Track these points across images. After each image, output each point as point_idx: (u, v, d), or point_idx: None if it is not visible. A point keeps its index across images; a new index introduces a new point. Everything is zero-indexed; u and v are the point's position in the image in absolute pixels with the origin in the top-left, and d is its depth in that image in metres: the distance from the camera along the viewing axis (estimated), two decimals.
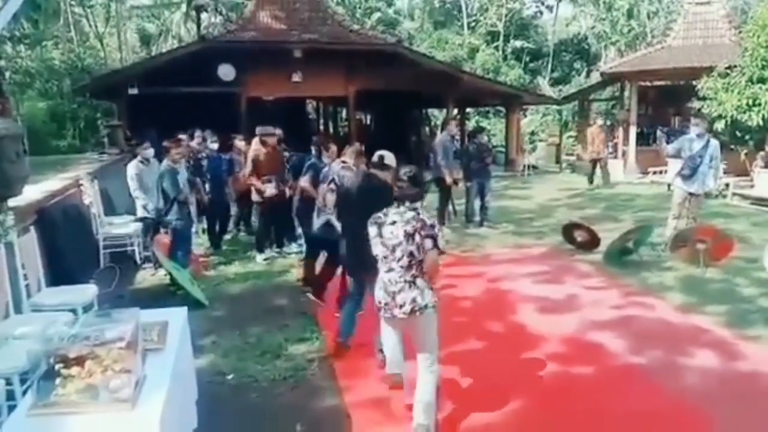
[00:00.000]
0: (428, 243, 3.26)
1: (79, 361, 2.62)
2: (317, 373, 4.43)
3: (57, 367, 2.58)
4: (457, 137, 9.92)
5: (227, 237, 8.79)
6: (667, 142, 8.68)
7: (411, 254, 3.31)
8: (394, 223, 3.36)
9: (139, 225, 7.56)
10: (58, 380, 2.55)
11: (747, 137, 13.68)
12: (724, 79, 12.91)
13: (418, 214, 3.35)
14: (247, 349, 4.84)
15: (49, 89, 21.68)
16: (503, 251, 8.11)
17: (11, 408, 2.98)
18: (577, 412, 3.81)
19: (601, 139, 14.55)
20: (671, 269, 6.96)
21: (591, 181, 14.62)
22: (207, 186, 8.12)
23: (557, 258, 7.69)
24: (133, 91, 13.51)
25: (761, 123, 12.35)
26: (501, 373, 4.37)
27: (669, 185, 8.67)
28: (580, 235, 7.97)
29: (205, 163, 8.24)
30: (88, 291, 4.91)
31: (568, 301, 5.96)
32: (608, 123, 21.40)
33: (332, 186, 5.47)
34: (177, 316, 3.51)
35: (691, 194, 7.77)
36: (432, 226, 3.30)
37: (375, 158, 4.48)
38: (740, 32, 14.36)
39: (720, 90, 12.88)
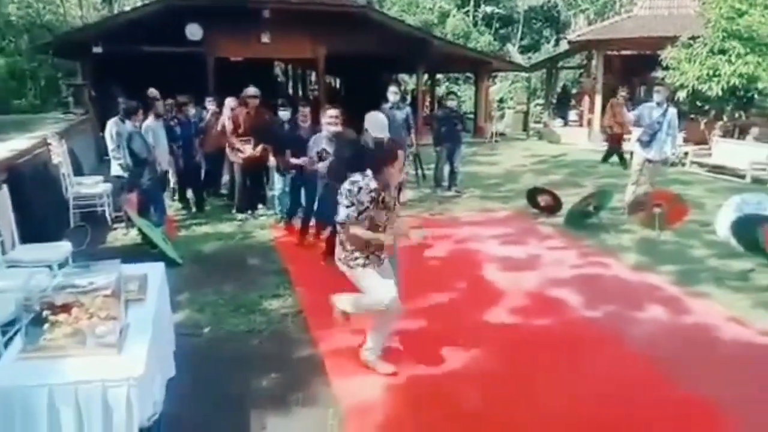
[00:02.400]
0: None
1: (66, 308, 2.74)
2: (291, 326, 4.62)
3: (45, 313, 2.70)
4: (401, 104, 9.39)
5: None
6: (629, 110, 8.95)
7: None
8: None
9: (108, 185, 7.56)
10: (46, 326, 2.67)
11: (707, 107, 14.13)
12: (687, 50, 13.21)
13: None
14: (222, 304, 4.98)
15: (6, 46, 20.90)
16: (470, 214, 8.36)
17: None
18: (534, 361, 4.08)
19: (620, 115, 12.33)
20: (628, 232, 7.30)
21: (606, 159, 13.07)
22: (179, 150, 8.11)
23: (521, 221, 7.97)
24: (98, 50, 13.20)
25: (720, 93, 12.76)
26: (464, 325, 4.61)
27: (631, 152, 9.00)
28: (543, 200, 8.25)
29: (177, 129, 8.15)
30: (63, 248, 4.96)
31: (530, 260, 6.24)
32: (575, 91, 21.77)
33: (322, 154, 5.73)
34: (155, 270, 3.62)
35: (648, 160, 8.07)
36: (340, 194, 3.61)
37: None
38: (704, 3, 14.65)
39: (683, 60, 13.18)
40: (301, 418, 3.38)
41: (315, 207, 6.45)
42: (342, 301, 3.97)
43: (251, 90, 7.84)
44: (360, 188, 3.54)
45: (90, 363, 2.58)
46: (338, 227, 3.72)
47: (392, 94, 9.14)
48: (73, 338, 2.67)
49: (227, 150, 8.02)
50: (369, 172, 3.59)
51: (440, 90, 26.82)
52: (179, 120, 8.23)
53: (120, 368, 2.56)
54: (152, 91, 8.63)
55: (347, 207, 3.56)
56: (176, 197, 8.66)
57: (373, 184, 3.55)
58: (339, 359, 4.01)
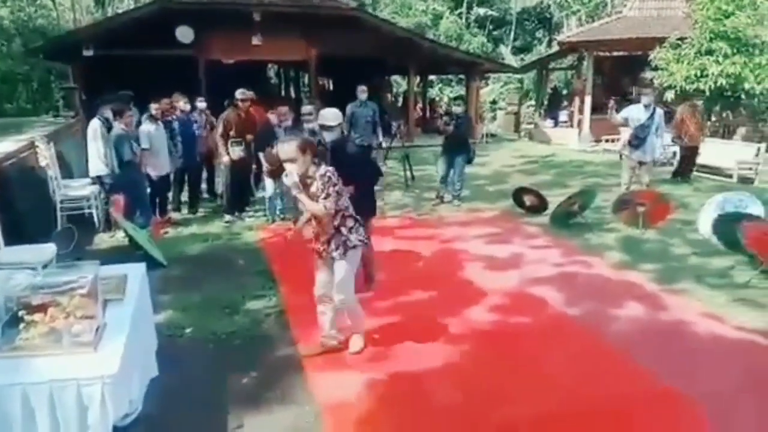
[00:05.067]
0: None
1: (42, 308, 2.79)
2: (273, 326, 4.66)
3: (21, 313, 2.75)
4: (367, 102, 9.63)
5: (185, 199, 8.73)
6: (617, 111, 9.07)
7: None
8: None
9: (96, 187, 7.59)
10: (21, 326, 2.72)
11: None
12: (675, 50, 13.35)
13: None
14: (206, 305, 5.02)
15: None
16: (457, 215, 8.42)
17: None
18: (513, 357, 4.15)
19: (694, 124, 10.64)
20: (612, 230, 7.37)
21: (677, 174, 11.03)
22: (179, 148, 8.07)
23: (507, 221, 8.04)
24: (89, 53, 13.23)
25: (708, 93, 12.88)
26: (444, 323, 4.66)
27: (620, 154, 9.07)
28: (529, 199, 8.32)
29: (176, 125, 8.09)
30: (47, 250, 4.99)
31: (514, 259, 6.30)
32: (566, 92, 21.85)
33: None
34: (135, 271, 3.67)
35: (640, 162, 8.20)
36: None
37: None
38: (692, 5, 14.78)
39: (671, 60, 13.33)
40: (279, 415, 3.43)
41: None
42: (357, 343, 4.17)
43: (240, 92, 7.90)
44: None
45: (65, 362, 2.62)
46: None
47: (360, 92, 9.55)
48: (49, 337, 2.72)
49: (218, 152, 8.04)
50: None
51: (433, 91, 26.96)
52: (179, 119, 8.20)
53: (95, 367, 2.60)
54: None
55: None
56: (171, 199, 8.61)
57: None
58: (318, 357, 4.06)
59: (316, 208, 3.71)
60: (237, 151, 7.74)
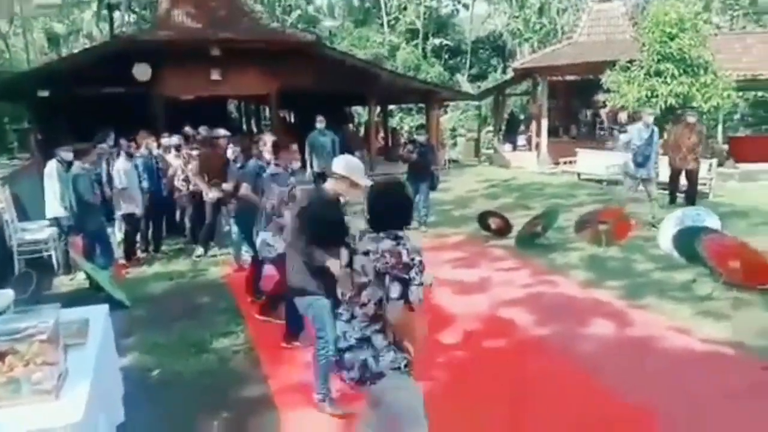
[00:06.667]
0: (394, 289, 2.47)
1: (0, 356, 2.68)
2: (243, 363, 4.57)
3: None
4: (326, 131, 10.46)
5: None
6: (619, 132, 9.50)
7: (380, 301, 2.54)
8: (366, 253, 2.59)
9: (54, 230, 7.39)
10: None
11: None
12: (625, 73, 13.81)
13: (398, 245, 2.55)
14: (172, 345, 4.90)
15: None
16: (424, 240, 8.43)
17: None
18: (485, 380, 4.14)
19: (690, 145, 9.74)
20: (576, 249, 7.50)
21: (673, 200, 10.13)
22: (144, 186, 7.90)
23: (473, 244, 8.11)
24: (44, 93, 12.99)
25: (659, 114, 13.33)
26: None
27: (624, 173, 8.92)
28: (494, 222, 8.43)
29: (140, 162, 7.92)
30: (5, 296, 4.79)
31: (482, 282, 6.35)
32: (522, 117, 22.34)
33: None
34: (97, 313, 3.56)
35: (643, 179, 8.51)
36: (408, 266, 2.48)
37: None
38: (638, 29, 15.36)
39: (622, 83, 13.76)
40: None
41: None
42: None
43: (219, 131, 7.99)
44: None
45: (26, 412, 2.52)
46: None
47: (318, 122, 10.37)
48: (8, 387, 2.60)
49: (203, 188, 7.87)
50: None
51: (393, 121, 27.26)
52: (142, 157, 8.06)
53: (57, 415, 2.50)
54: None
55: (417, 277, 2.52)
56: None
57: None
58: (289, 395, 3.98)
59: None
60: (213, 192, 7.57)
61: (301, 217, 3.58)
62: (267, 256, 5.06)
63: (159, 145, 8.62)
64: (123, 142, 7.64)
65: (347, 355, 2.61)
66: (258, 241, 5.06)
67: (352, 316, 2.62)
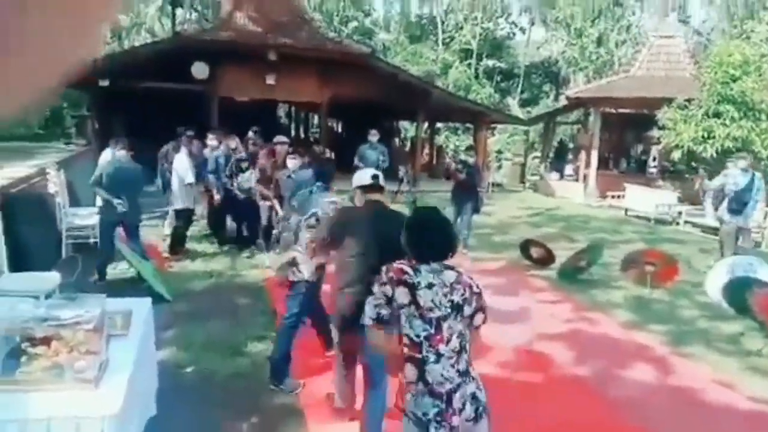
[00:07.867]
0: (479, 318, 2.48)
1: (46, 340, 2.72)
2: None
3: (23, 345, 2.68)
4: (377, 144, 10.41)
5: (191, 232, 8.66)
6: (708, 179, 9.04)
7: (461, 334, 2.42)
8: (431, 286, 2.42)
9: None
10: (23, 358, 2.64)
11: (701, 168, 14.29)
12: (683, 111, 13.49)
13: (461, 274, 2.50)
14: (208, 344, 4.93)
15: None
16: (462, 265, 8.32)
17: None
18: (520, 417, 4.02)
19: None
20: (620, 288, 7.30)
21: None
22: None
23: (513, 272, 7.97)
24: (104, 83, 13.39)
25: (715, 155, 12.96)
26: None
27: (720, 220, 8.40)
28: (536, 252, 8.27)
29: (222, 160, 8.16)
30: (51, 278, 4.92)
31: (521, 313, 6.21)
32: (572, 146, 22.06)
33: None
34: (141, 306, 3.60)
35: (739, 228, 8.03)
36: (481, 294, 2.49)
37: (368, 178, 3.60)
38: (699, 67, 15.01)
39: (678, 121, 13.44)
40: None
41: None
42: None
43: (281, 137, 8.15)
44: None
45: (66, 398, 2.55)
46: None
47: (371, 135, 10.31)
48: (51, 372, 2.64)
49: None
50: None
51: (439, 139, 27.23)
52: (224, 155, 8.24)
53: (96, 405, 2.52)
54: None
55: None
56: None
57: None
58: (319, 406, 3.95)
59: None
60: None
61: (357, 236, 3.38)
62: (292, 279, 4.23)
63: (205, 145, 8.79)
64: (183, 138, 7.83)
65: (456, 395, 2.36)
66: (284, 257, 4.36)
67: (438, 355, 2.39)
